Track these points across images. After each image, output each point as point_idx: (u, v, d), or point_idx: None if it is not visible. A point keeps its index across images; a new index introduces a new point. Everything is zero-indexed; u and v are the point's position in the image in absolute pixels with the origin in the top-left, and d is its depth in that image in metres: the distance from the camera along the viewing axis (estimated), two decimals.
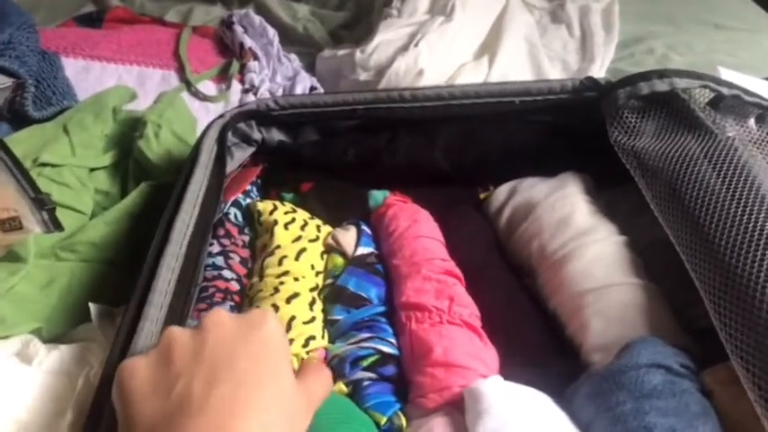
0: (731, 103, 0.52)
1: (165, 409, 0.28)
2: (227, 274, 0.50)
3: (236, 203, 0.54)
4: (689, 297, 0.43)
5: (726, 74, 0.58)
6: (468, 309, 0.46)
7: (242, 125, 0.57)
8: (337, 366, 0.44)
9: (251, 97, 0.73)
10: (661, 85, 0.51)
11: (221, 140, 0.54)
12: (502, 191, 0.56)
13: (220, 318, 0.33)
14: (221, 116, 0.55)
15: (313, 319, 0.47)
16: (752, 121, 0.54)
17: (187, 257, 0.46)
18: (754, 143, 0.51)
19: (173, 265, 0.44)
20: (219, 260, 0.51)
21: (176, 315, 0.43)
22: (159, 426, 0.28)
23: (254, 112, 0.57)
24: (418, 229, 0.52)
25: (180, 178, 0.50)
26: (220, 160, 0.53)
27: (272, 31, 0.80)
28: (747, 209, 0.41)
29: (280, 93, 0.74)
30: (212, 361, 0.30)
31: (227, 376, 0.29)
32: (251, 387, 0.29)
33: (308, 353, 0.44)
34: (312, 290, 0.49)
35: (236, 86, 0.75)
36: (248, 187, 0.56)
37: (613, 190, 0.55)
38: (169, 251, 0.44)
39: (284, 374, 0.31)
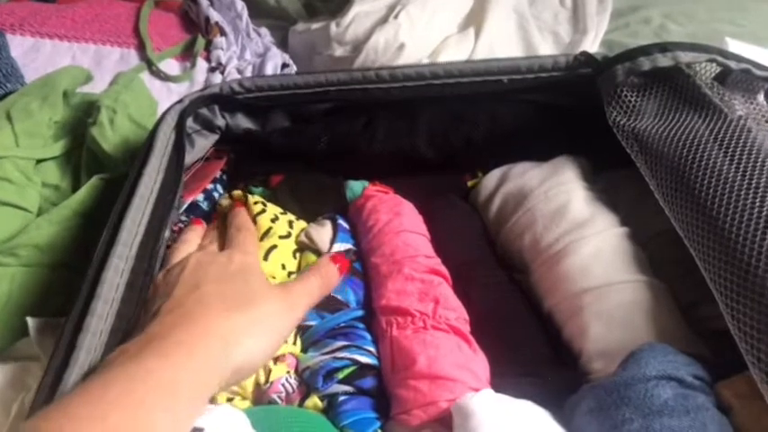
0: (740, 77, 0.48)
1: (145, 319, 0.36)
2: None
3: (193, 207, 0.49)
4: (699, 294, 0.39)
5: (734, 45, 0.53)
6: (456, 311, 0.42)
7: (204, 110, 0.51)
8: (309, 379, 0.39)
9: (218, 76, 0.67)
10: (664, 60, 0.46)
11: (179, 128, 0.48)
12: (491, 178, 0.52)
13: (198, 255, 0.41)
14: (180, 101, 0.50)
15: None
16: (761, 97, 0.49)
17: (138, 259, 0.41)
18: (766, 120, 0.47)
19: (121, 269, 0.39)
20: None
21: (122, 323, 0.38)
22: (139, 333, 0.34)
23: (216, 95, 0.51)
24: (400, 223, 0.47)
25: (132, 170, 0.45)
26: (179, 149, 0.48)
27: (240, 4, 0.74)
28: (766, 197, 0.36)
29: (249, 71, 0.69)
30: (186, 285, 0.38)
31: (199, 291, 0.37)
32: (219, 301, 0.36)
33: (276, 360, 0.40)
34: None
35: (201, 65, 0.69)
36: (210, 185, 0.51)
37: (613, 174, 0.51)
38: (116, 253, 0.39)
39: (255, 290, 0.38)
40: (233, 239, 0.44)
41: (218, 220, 0.48)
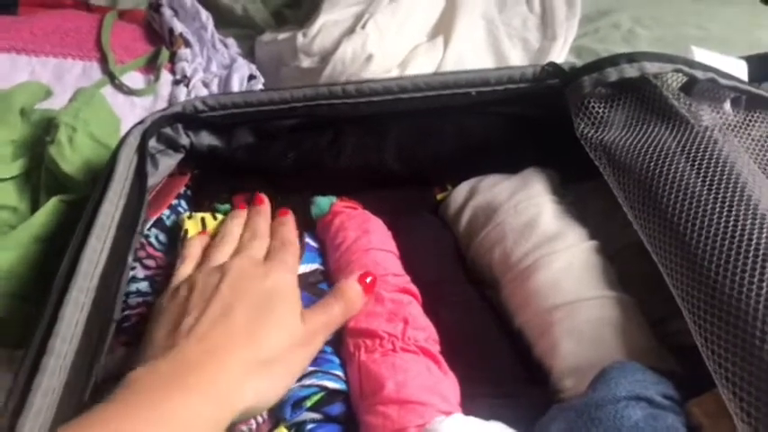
0: (705, 87, 0.48)
1: (172, 333, 0.36)
2: (152, 299, 0.44)
3: (158, 223, 0.48)
4: (669, 309, 0.38)
5: (699, 54, 0.53)
6: (425, 332, 0.41)
7: (167, 129, 0.50)
8: (277, 410, 0.38)
9: (182, 89, 0.66)
10: (630, 71, 0.46)
11: (142, 149, 0.47)
12: (460, 191, 0.51)
13: (241, 264, 0.41)
14: (141, 121, 0.49)
15: None
16: (728, 105, 0.50)
17: (100, 290, 0.40)
18: (732, 129, 0.47)
19: (81, 302, 0.38)
20: (144, 285, 0.45)
21: (86, 360, 0.37)
22: (164, 345, 0.35)
23: (179, 114, 0.50)
24: (369, 241, 0.46)
25: (93, 196, 0.44)
26: (141, 172, 0.47)
27: (205, 14, 0.72)
28: (732, 213, 0.36)
29: (215, 83, 0.67)
30: (222, 302, 0.37)
31: (228, 320, 0.36)
32: (246, 333, 0.36)
33: None
34: None
35: (166, 77, 0.68)
36: (174, 201, 0.49)
37: (582, 185, 0.51)
38: (76, 286, 0.38)
39: (283, 320, 0.38)
40: (276, 252, 0.43)
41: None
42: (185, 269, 0.42)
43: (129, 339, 0.41)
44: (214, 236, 0.46)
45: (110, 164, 0.46)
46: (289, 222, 0.47)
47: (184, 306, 0.38)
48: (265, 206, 0.48)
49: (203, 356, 0.34)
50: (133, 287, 0.44)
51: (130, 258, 0.44)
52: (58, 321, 0.36)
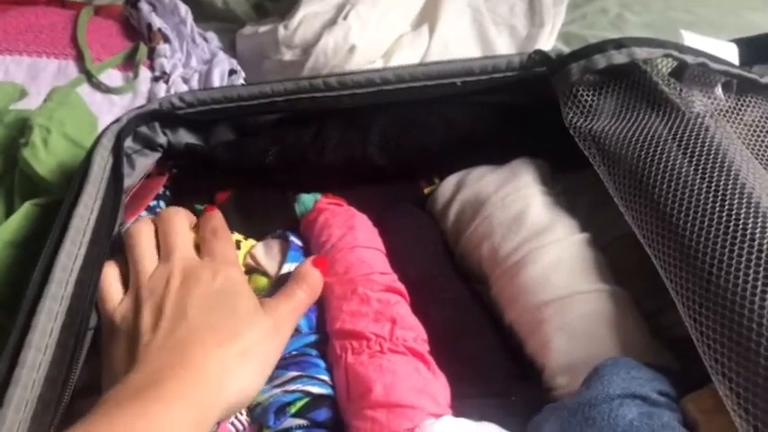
0: (696, 72, 0.47)
1: (133, 350, 0.35)
2: None
3: None
4: (663, 301, 0.37)
5: (689, 38, 0.52)
6: (414, 331, 0.40)
7: (143, 128, 0.48)
8: (261, 417, 0.37)
9: (162, 86, 0.64)
10: (619, 57, 0.44)
11: (117, 150, 0.46)
12: (447, 185, 0.50)
13: (183, 266, 0.39)
14: (117, 120, 0.47)
15: None
16: (719, 90, 0.48)
17: (75, 298, 0.38)
18: (724, 114, 0.46)
19: (55, 311, 0.37)
20: None
21: (61, 371, 0.36)
22: (128, 362, 0.34)
23: (155, 112, 0.48)
24: (354, 238, 0.45)
25: (66, 200, 0.42)
26: (117, 173, 0.45)
27: (184, 8, 0.70)
28: (726, 202, 0.35)
29: (195, 78, 0.66)
30: (175, 308, 0.36)
31: (188, 322, 0.35)
32: (210, 331, 0.35)
33: None
34: None
35: (144, 74, 0.66)
36: (153, 202, 0.48)
37: (572, 176, 0.49)
38: (50, 294, 0.37)
39: (245, 314, 0.37)
40: (212, 248, 0.41)
41: None
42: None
43: None
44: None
45: (84, 165, 0.44)
46: (215, 216, 0.44)
47: (135, 323, 0.36)
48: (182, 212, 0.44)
49: (173, 362, 0.33)
50: None
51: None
52: (30, 331, 0.35)
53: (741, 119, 0.47)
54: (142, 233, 0.41)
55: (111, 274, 0.40)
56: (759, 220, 0.34)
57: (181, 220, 0.42)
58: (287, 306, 0.39)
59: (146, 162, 0.49)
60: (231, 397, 0.34)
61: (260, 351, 0.36)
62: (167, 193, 0.50)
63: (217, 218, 0.44)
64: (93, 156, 0.45)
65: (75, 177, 0.44)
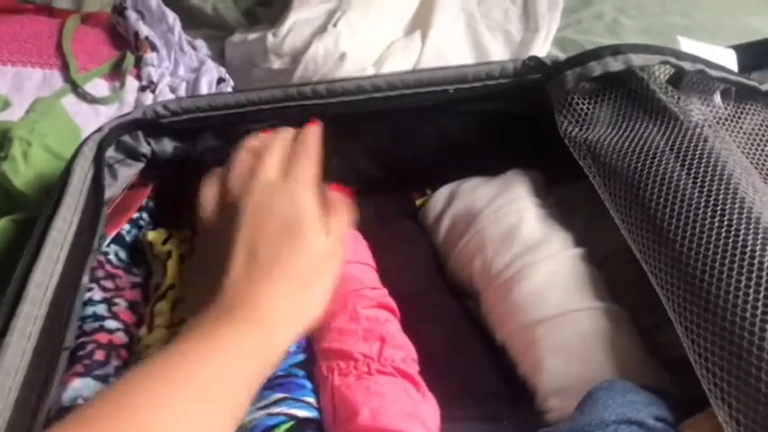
0: (695, 79, 0.45)
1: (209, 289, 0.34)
2: (110, 324, 0.41)
3: (118, 238, 0.45)
4: (661, 317, 0.36)
5: (686, 45, 0.51)
6: (403, 350, 0.39)
7: (126, 138, 0.47)
8: None
9: (149, 95, 0.63)
10: (615, 64, 0.43)
11: (98, 160, 0.44)
12: (439, 197, 0.49)
13: (254, 196, 0.37)
14: (99, 129, 0.46)
15: None
16: (717, 97, 0.47)
17: (51, 317, 0.37)
18: (722, 123, 0.45)
19: (28, 331, 0.35)
20: (101, 308, 0.42)
21: (32, 395, 0.34)
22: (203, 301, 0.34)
23: (139, 121, 0.47)
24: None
25: (44, 212, 0.41)
26: (98, 184, 0.44)
27: (172, 16, 0.69)
28: (726, 217, 0.34)
29: (183, 87, 0.64)
30: (245, 245, 0.35)
31: (257, 259, 0.35)
32: (277, 264, 0.34)
33: None
34: None
35: (131, 84, 0.65)
36: (136, 214, 0.46)
37: (567, 187, 0.48)
38: (23, 313, 0.35)
39: (310, 240, 0.36)
40: (294, 163, 0.39)
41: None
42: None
43: (84, 369, 0.38)
44: None
45: (63, 176, 0.43)
46: (314, 130, 0.41)
47: (216, 257, 0.36)
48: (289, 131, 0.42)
49: (244, 294, 0.33)
50: (89, 311, 0.41)
51: (86, 279, 0.41)
52: (2, 352, 0.33)
53: (740, 127, 0.46)
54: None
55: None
56: (759, 236, 0.32)
57: (279, 139, 0.41)
58: (341, 225, 0.38)
59: (129, 172, 0.47)
60: (307, 323, 0.34)
61: (321, 272, 0.36)
62: (150, 204, 0.49)
63: (312, 133, 0.41)
64: (74, 166, 0.43)
65: (54, 189, 0.42)
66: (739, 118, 0.46)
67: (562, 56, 0.47)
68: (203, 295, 0.35)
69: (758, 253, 0.31)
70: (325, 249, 0.36)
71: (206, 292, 0.35)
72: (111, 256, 0.44)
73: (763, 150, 0.44)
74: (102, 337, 0.40)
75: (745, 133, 0.46)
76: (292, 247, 0.35)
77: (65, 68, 0.64)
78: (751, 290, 0.30)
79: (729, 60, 0.51)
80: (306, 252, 0.35)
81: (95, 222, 0.42)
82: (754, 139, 0.45)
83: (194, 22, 0.75)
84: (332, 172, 0.48)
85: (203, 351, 0.30)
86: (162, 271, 0.44)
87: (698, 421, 0.32)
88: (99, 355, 0.39)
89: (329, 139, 0.42)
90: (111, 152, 0.46)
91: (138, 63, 0.66)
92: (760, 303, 0.29)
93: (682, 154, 0.38)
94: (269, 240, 0.35)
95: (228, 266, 0.34)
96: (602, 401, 0.32)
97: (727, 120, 0.45)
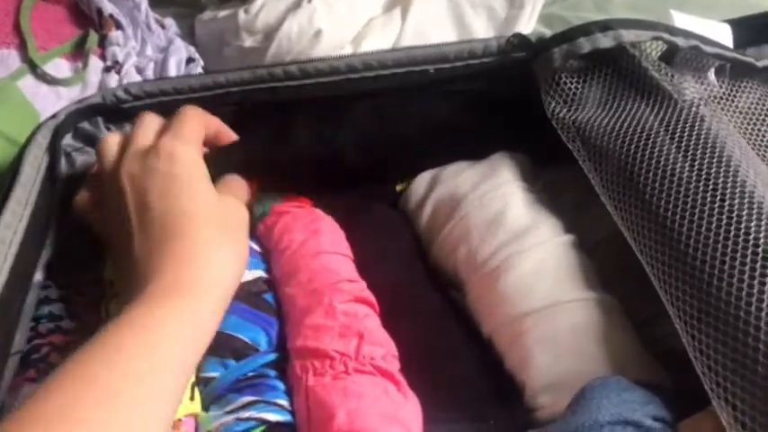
0: (688, 56, 0.43)
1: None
2: (67, 324, 0.38)
3: None
4: (655, 309, 0.34)
5: (679, 19, 0.48)
6: (383, 347, 0.36)
7: (85, 124, 0.44)
8: None
9: (114, 77, 0.59)
10: (605, 40, 0.41)
11: (53, 148, 0.41)
12: (421, 181, 0.46)
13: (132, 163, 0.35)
14: (53, 116, 0.43)
15: None
16: (711, 75, 0.45)
17: None
18: (717, 101, 0.43)
19: None
20: (58, 308, 0.39)
21: None
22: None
23: (98, 106, 0.44)
24: (318, 243, 0.41)
25: None
26: (52, 174, 0.41)
27: None
28: (726, 201, 0.32)
29: (150, 68, 0.61)
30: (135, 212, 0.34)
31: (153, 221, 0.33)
32: (169, 224, 0.33)
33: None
34: None
35: (95, 64, 0.61)
36: None
37: (555, 171, 0.46)
38: None
39: (197, 191, 0.34)
40: (170, 127, 0.37)
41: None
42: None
43: (37, 375, 0.35)
44: None
45: (13, 167, 0.40)
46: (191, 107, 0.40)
47: (122, 245, 0.34)
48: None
49: (151, 271, 0.31)
50: (45, 310, 0.38)
51: (39, 276, 0.38)
52: None
53: (736, 106, 0.44)
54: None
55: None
56: (763, 222, 0.30)
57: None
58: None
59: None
60: (223, 275, 0.33)
61: (226, 226, 0.35)
62: None
63: (192, 107, 0.39)
64: (26, 155, 0.40)
65: (2, 180, 0.39)
66: (734, 96, 0.44)
67: (548, 32, 0.44)
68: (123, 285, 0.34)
69: (761, 239, 0.29)
70: (222, 203, 0.35)
71: (125, 281, 0.33)
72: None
73: (759, 130, 0.42)
74: (57, 339, 0.37)
75: (740, 112, 0.43)
76: (181, 202, 0.33)
77: (22, 47, 0.60)
78: (756, 281, 0.28)
79: (724, 35, 0.49)
80: (196, 202, 0.34)
81: (49, 215, 0.39)
82: (750, 118, 0.43)
83: None
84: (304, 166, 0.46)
85: (128, 337, 0.28)
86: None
87: (698, 421, 0.30)
88: (54, 358, 0.36)
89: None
90: (68, 140, 0.43)
91: (103, 42, 0.62)
92: (766, 296, 0.27)
93: (677, 135, 0.36)
94: (157, 205, 0.33)
95: (131, 248, 0.33)
96: (596, 401, 0.30)
97: (721, 98, 0.43)
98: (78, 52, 0.63)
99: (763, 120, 0.43)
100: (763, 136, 0.42)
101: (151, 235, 0.33)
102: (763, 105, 0.44)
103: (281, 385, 0.36)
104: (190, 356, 0.30)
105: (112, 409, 0.25)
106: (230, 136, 0.41)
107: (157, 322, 0.29)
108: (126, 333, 0.28)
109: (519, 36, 0.44)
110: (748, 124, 0.43)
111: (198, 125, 0.38)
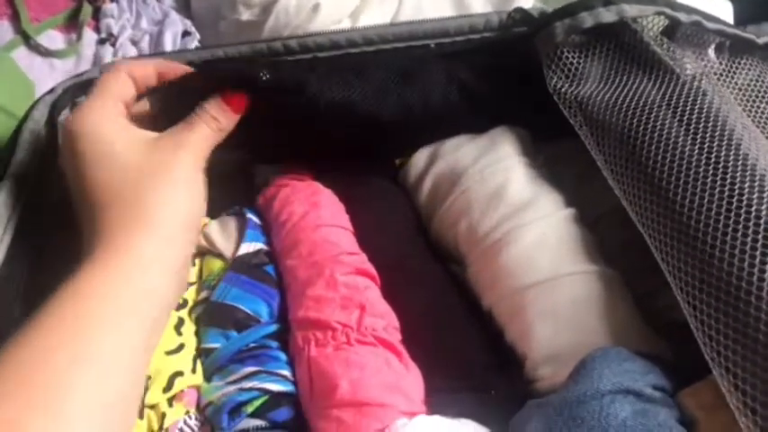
0: (690, 31, 0.43)
1: None
2: None
3: None
4: (658, 281, 0.34)
5: None
6: (384, 319, 0.37)
7: (82, 99, 0.43)
8: (213, 417, 0.33)
9: (108, 49, 0.58)
10: (607, 15, 0.41)
11: (51, 124, 0.41)
12: (421, 155, 0.46)
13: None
14: (51, 91, 0.42)
15: (180, 347, 0.36)
16: (711, 51, 0.45)
17: None
18: (717, 77, 0.43)
19: None
20: None
21: None
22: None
23: (95, 81, 0.43)
24: (318, 216, 0.41)
25: None
26: (51, 150, 0.40)
27: None
28: (728, 175, 0.32)
29: (145, 41, 0.60)
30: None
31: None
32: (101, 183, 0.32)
33: (171, 399, 0.34)
34: (179, 307, 0.38)
35: (89, 36, 0.60)
36: None
37: (556, 145, 0.46)
38: None
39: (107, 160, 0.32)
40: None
41: None
42: None
43: None
44: None
45: (10, 143, 0.39)
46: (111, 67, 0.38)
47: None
48: None
49: (99, 235, 0.30)
50: None
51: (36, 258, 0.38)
52: None
53: (735, 82, 0.44)
54: None
55: None
56: (765, 195, 0.30)
57: None
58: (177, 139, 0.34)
59: None
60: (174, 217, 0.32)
61: (158, 171, 0.33)
62: None
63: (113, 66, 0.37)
64: (23, 130, 0.40)
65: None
66: (734, 73, 0.44)
67: (549, 8, 0.44)
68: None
69: (764, 212, 0.29)
70: (153, 147, 0.33)
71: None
72: None
73: (758, 107, 0.43)
74: None
75: (740, 88, 0.43)
76: (94, 173, 0.32)
77: (15, 18, 0.60)
78: (757, 252, 0.28)
79: (725, 12, 0.49)
80: (108, 169, 0.32)
81: (49, 190, 0.39)
82: (749, 95, 0.43)
83: None
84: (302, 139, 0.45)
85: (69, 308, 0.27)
86: None
87: (698, 390, 0.30)
88: None
89: None
90: (66, 114, 0.43)
91: (97, 14, 0.62)
92: (767, 266, 0.28)
93: (679, 109, 0.36)
94: (75, 184, 0.32)
95: (80, 216, 0.32)
96: (597, 370, 0.30)
97: (721, 74, 0.43)
98: (72, 24, 0.62)
99: (762, 96, 0.44)
100: (762, 112, 0.42)
101: (83, 213, 0.32)
102: (763, 82, 0.44)
103: (282, 356, 0.36)
104: (145, 308, 0.29)
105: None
106: (176, 69, 0.38)
107: (96, 289, 0.28)
108: (68, 303, 0.28)
109: (520, 10, 0.44)
110: (747, 101, 0.43)
111: (113, 84, 0.36)
